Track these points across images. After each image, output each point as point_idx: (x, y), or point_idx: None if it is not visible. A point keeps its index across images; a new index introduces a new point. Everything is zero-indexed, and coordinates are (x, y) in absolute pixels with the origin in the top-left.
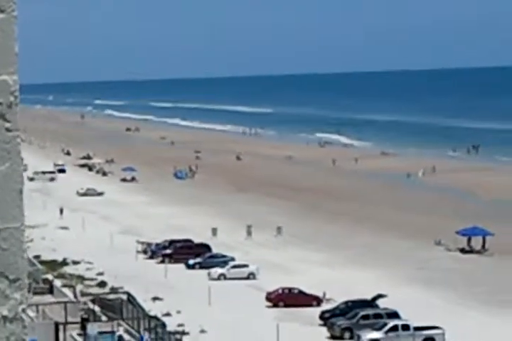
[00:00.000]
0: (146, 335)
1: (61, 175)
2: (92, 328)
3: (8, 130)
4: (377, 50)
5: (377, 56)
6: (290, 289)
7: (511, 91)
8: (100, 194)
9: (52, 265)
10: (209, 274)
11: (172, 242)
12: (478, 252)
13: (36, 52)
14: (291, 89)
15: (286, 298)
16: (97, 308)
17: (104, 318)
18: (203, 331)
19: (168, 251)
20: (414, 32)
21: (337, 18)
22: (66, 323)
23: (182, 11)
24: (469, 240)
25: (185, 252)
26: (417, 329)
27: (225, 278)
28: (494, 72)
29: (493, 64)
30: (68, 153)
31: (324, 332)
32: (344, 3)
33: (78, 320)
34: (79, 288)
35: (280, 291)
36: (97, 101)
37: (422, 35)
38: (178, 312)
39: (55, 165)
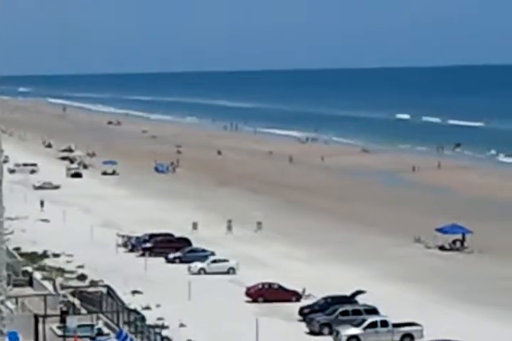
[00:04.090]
0: (125, 329)
1: (76, 180)
2: (72, 321)
3: None
4: (365, 47)
5: (364, 53)
6: (270, 284)
7: (497, 90)
8: (57, 187)
9: (33, 257)
10: (189, 268)
11: (152, 236)
12: (457, 250)
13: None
14: (276, 85)
15: (266, 293)
16: (76, 301)
17: (83, 311)
18: (182, 325)
19: (148, 245)
20: (405, 30)
21: (328, 15)
22: (46, 316)
23: (168, 3)
24: (463, 239)
25: (165, 246)
26: (395, 325)
27: (205, 273)
28: (481, 71)
29: (478, 62)
30: (49, 146)
31: (303, 327)
32: (332, 3)
33: (58, 312)
34: (59, 280)
35: (260, 286)
36: (79, 94)
37: (414, 33)
38: (158, 305)
39: (68, 168)
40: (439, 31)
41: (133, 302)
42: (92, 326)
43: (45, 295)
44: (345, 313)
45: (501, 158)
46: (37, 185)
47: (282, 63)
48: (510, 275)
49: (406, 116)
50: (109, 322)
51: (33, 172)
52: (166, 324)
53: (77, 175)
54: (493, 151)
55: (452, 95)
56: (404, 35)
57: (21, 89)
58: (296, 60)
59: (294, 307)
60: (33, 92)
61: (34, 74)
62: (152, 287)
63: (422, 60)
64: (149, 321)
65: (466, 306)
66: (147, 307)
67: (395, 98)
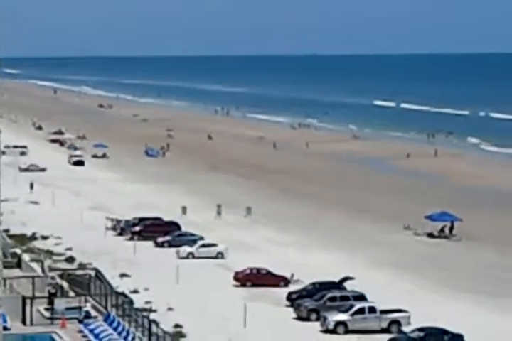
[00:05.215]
0: (113, 312)
1: (78, 167)
2: (60, 303)
3: None
4: (358, 34)
5: (358, 40)
6: (258, 269)
7: (487, 78)
8: (43, 170)
9: (21, 239)
10: (178, 252)
11: (141, 220)
12: (445, 237)
13: None
14: (268, 70)
15: (254, 278)
16: (64, 283)
17: (71, 294)
18: (170, 309)
19: (137, 229)
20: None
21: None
22: (33, 298)
23: None
24: (452, 226)
25: (154, 230)
26: (383, 312)
27: (194, 257)
28: (474, 59)
29: (474, 51)
30: (40, 128)
31: (291, 312)
32: None
33: (46, 294)
34: (47, 262)
35: (248, 271)
36: (70, 77)
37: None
38: (146, 289)
39: (71, 156)
40: (437, 19)
41: (121, 286)
42: (79, 308)
43: (33, 277)
44: (333, 299)
45: (484, 146)
46: (23, 167)
47: (275, 49)
48: (497, 263)
49: (391, 104)
50: (97, 305)
51: (23, 154)
52: (153, 307)
53: (80, 162)
54: (474, 140)
55: (439, 83)
56: (401, 23)
57: (8, 71)
58: (290, 46)
59: (282, 292)
60: (21, 74)
61: (19, 56)
62: (140, 270)
63: (416, 47)
64: (137, 304)
65: (453, 293)
66: (135, 291)
67: (383, 85)
